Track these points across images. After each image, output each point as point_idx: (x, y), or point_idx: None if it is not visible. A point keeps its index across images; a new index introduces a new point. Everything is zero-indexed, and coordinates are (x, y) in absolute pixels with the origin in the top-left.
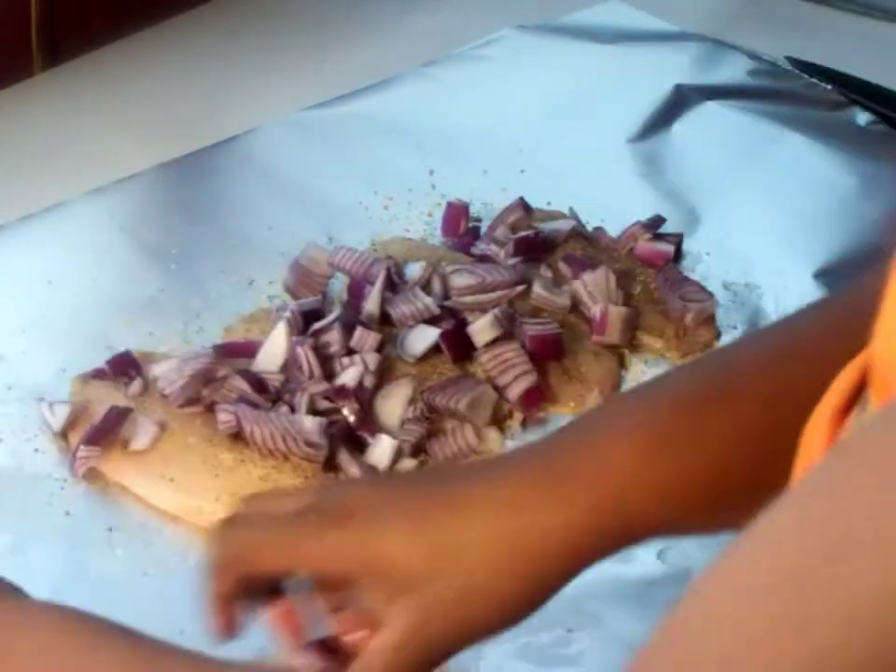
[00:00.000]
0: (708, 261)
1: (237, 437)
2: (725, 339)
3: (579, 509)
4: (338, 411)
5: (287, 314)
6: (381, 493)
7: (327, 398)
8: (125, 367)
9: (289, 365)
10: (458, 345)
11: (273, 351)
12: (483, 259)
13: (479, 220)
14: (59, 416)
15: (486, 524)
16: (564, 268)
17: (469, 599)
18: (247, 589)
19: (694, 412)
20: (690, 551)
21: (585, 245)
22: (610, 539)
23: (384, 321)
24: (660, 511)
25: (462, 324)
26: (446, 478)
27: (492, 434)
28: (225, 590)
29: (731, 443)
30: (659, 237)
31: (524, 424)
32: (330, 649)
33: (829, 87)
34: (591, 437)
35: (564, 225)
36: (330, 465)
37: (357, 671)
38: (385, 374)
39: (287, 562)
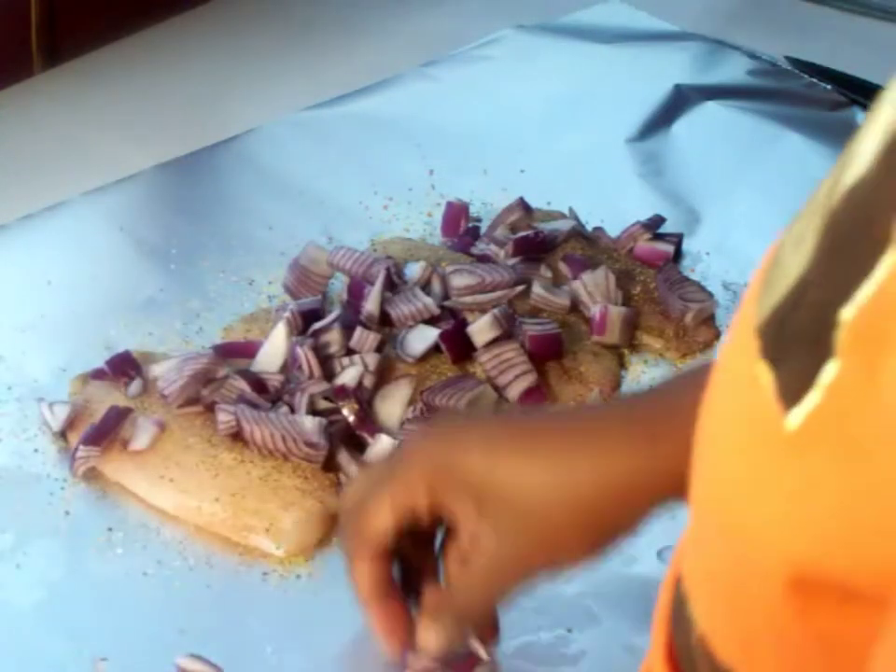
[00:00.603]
0: (708, 261)
1: (237, 437)
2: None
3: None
4: (338, 411)
5: (287, 314)
6: (492, 423)
7: (326, 398)
8: (125, 367)
9: (289, 365)
10: (458, 345)
11: (273, 351)
12: (483, 259)
13: (479, 220)
14: (59, 416)
15: (603, 460)
16: (563, 268)
17: (562, 532)
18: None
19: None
20: None
21: (585, 245)
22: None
23: (383, 321)
24: None
25: (462, 324)
26: (553, 414)
27: None
28: (372, 574)
29: None
30: (659, 237)
31: None
32: None
33: (829, 87)
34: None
35: (564, 225)
36: (330, 465)
37: (449, 587)
38: (384, 374)
39: (407, 500)
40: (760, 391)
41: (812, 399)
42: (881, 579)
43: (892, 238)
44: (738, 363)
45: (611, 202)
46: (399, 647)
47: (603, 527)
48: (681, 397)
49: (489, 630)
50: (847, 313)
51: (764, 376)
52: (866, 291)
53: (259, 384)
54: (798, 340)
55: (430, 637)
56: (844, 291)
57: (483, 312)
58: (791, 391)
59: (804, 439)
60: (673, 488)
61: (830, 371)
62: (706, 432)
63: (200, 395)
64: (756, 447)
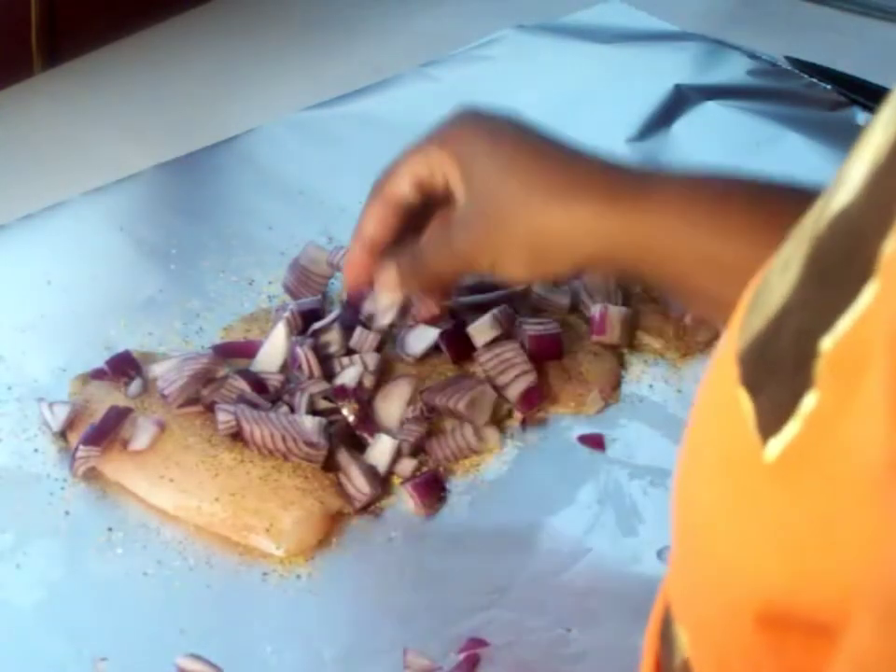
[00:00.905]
0: None
1: (237, 437)
2: None
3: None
4: (338, 411)
5: (287, 314)
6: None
7: (326, 398)
8: (125, 367)
9: (289, 365)
10: (458, 345)
11: (273, 351)
12: None
13: None
14: (59, 416)
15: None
16: None
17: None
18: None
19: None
20: None
21: None
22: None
23: None
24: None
25: (462, 324)
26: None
27: (492, 434)
28: (374, 217)
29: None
30: None
31: (523, 424)
32: None
33: (829, 87)
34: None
35: None
36: (330, 465)
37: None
38: (384, 374)
39: (424, 167)
40: (739, 419)
41: (791, 429)
42: (846, 613)
43: (876, 267)
44: (719, 389)
45: None
46: (356, 283)
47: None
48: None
49: (440, 293)
50: (828, 342)
51: (744, 404)
52: (847, 321)
53: (259, 384)
54: (778, 368)
55: (386, 275)
56: (825, 320)
57: (483, 312)
58: (771, 421)
59: (781, 470)
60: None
61: (809, 402)
62: (687, 455)
63: (200, 395)
64: (734, 475)
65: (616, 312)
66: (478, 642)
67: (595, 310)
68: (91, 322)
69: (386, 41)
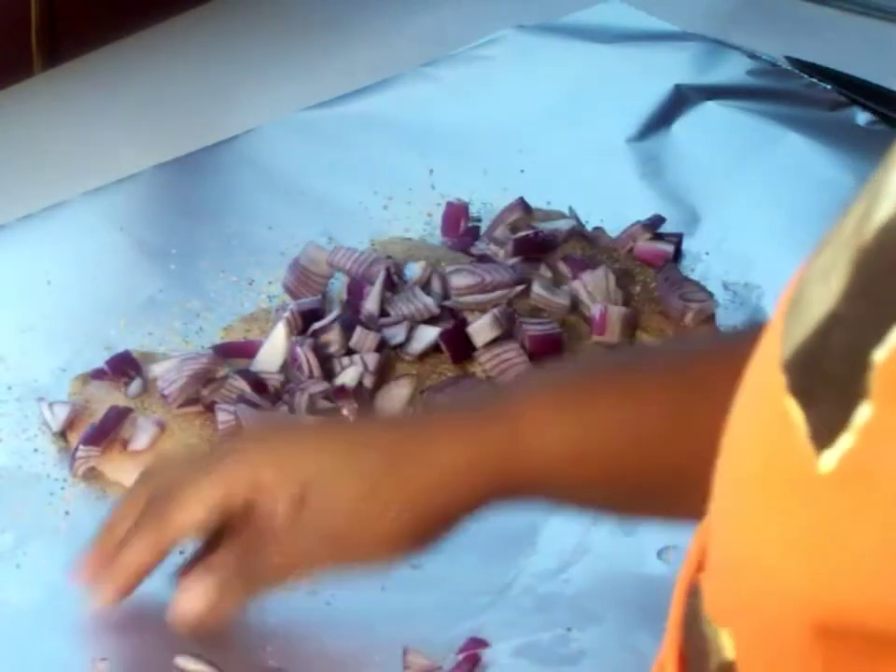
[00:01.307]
0: (708, 261)
1: None
2: None
3: (481, 446)
4: (338, 411)
5: (287, 314)
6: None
7: (326, 398)
8: (125, 367)
9: (289, 365)
10: (458, 345)
11: (273, 351)
12: (483, 258)
13: (479, 220)
14: (59, 416)
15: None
16: (563, 268)
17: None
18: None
19: (600, 390)
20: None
21: (585, 245)
22: (502, 486)
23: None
24: (555, 469)
25: (462, 324)
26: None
27: None
28: (152, 560)
29: (629, 427)
30: (659, 237)
31: None
32: None
33: (829, 87)
34: (506, 392)
35: (564, 225)
36: None
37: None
38: (384, 374)
39: (225, 495)
40: (790, 428)
41: (846, 441)
42: None
43: None
44: (763, 398)
45: (611, 202)
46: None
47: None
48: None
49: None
50: (880, 354)
51: (795, 413)
52: None
53: (258, 383)
54: (829, 379)
55: (195, 592)
56: (877, 332)
57: (483, 312)
58: (824, 432)
59: (837, 481)
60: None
61: (863, 414)
62: (726, 462)
63: (200, 395)
64: (784, 485)
65: (616, 312)
66: (478, 642)
67: (595, 310)
68: (91, 322)
69: (386, 41)
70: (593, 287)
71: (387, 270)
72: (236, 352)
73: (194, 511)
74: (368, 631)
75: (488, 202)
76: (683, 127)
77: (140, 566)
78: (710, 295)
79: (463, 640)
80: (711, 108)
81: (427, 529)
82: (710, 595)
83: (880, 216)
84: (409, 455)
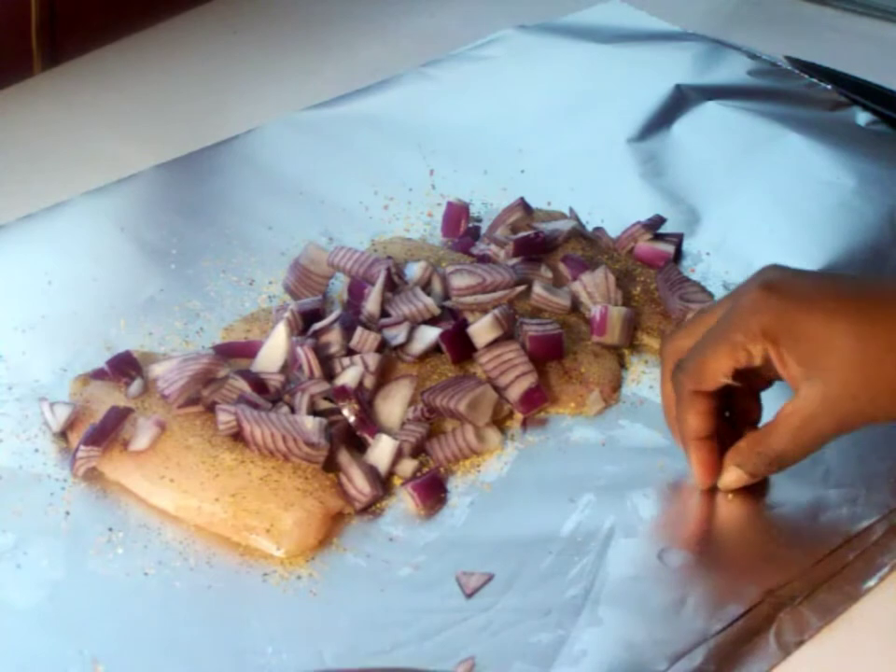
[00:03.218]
0: (708, 261)
1: (237, 437)
2: None
3: None
4: (338, 411)
5: (287, 314)
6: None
7: (327, 398)
8: (125, 367)
9: (289, 365)
10: (458, 346)
11: (273, 351)
12: (483, 259)
13: (479, 220)
14: (59, 416)
15: None
16: (564, 268)
17: (876, 387)
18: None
19: None
20: (689, 553)
21: (585, 245)
22: None
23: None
24: None
25: (462, 324)
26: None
27: (492, 434)
28: (702, 413)
29: None
30: (659, 237)
31: (524, 424)
32: None
33: (829, 87)
34: None
35: (564, 225)
36: (330, 465)
37: (766, 433)
38: (385, 375)
39: (744, 345)
40: None
41: None
42: None
43: None
44: None
45: (611, 202)
46: (711, 482)
47: None
48: None
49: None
50: None
51: None
52: None
53: (259, 384)
54: None
55: (732, 476)
56: None
57: (484, 312)
58: None
59: None
60: None
61: None
62: None
63: (200, 395)
64: None
65: (616, 312)
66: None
67: (595, 310)
68: (91, 322)
69: (386, 41)
70: (592, 288)
71: (388, 270)
72: (237, 352)
73: (719, 378)
74: (368, 631)
75: (488, 202)
76: (683, 127)
77: (693, 427)
78: (711, 295)
79: (463, 640)
80: (711, 108)
81: None
82: None
83: None
84: None
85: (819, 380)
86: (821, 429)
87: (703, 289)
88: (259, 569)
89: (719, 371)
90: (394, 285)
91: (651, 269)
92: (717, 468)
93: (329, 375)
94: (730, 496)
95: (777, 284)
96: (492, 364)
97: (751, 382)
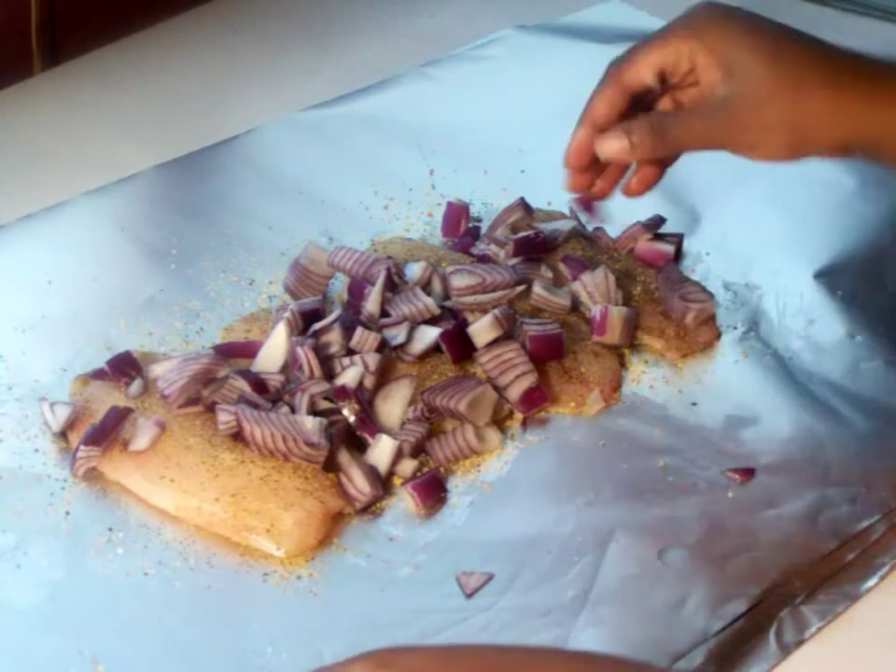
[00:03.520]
0: (708, 261)
1: (237, 437)
2: (725, 339)
3: None
4: (338, 411)
5: (287, 314)
6: None
7: (327, 398)
8: (125, 367)
9: (289, 365)
10: (459, 345)
11: (273, 351)
12: (483, 259)
13: (479, 220)
14: (59, 416)
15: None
16: (564, 268)
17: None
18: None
19: None
20: (689, 553)
21: (585, 245)
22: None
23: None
24: None
25: (462, 324)
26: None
27: (492, 434)
28: (609, 98)
29: None
30: (659, 237)
31: (524, 424)
32: None
33: None
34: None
35: (564, 225)
36: (330, 465)
37: (666, 114)
38: (385, 375)
39: (670, 45)
40: None
41: None
42: None
43: None
44: None
45: (611, 202)
46: (579, 162)
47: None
48: None
49: (661, 165)
50: None
51: None
52: None
53: (259, 384)
54: None
55: (617, 141)
56: None
57: (484, 312)
58: None
59: None
60: None
61: None
62: None
63: (200, 395)
64: None
65: (616, 312)
66: None
67: (595, 310)
68: (91, 322)
69: (386, 41)
70: (592, 288)
71: (388, 270)
72: (237, 352)
73: (641, 70)
74: (368, 631)
75: (488, 202)
76: None
77: (602, 117)
78: (711, 295)
79: (463, 640)
80: None
81: (809, 142)
82: None
83: None
84: (835, 83)
85: (735, 83)
86: (715, 127)
87: (703, 289)
88: (259, 569)
89: (645, 62)
90: (394, 285)
91: (650, 269)
92: (589, 153)
93: (329, 375)
94: (730, 494)
95: (719, 7)
96: (492, 364)
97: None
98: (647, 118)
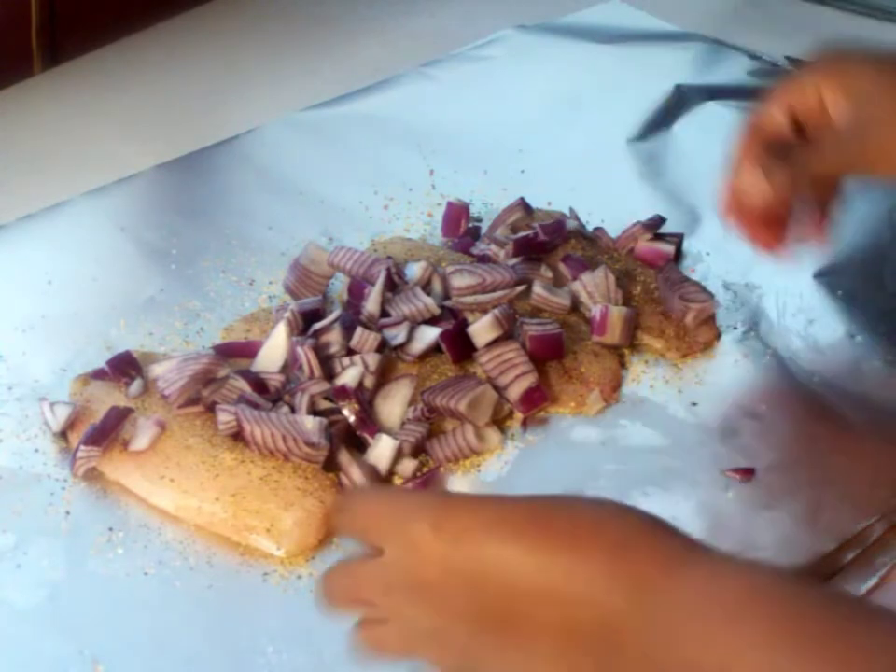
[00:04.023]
0: (708, 261)
1: (237, 437)
2: (725, 339)
3: None
4: (338, 411)
5: (287, 314)
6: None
7: (327, 398)
8: (125, 367)
9: (289, 365)
10: (458, 345)
11: (274, 351)
12: (483, 259)
13: (479, 220)
14: (59, 416)
15: None
16: (564, 268)
17: None
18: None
19: None
20: None
21: (585, 245)
22: None
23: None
24: None
25: (462, 324)
26: None
27: (493, 434)
28: (752, 140)
29: None
30: (659, 237)
31: (524, 424)
32: None
33: None
34: None
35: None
36: (331, 465)
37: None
38: (385, 374)
39: (798, 94)
40: None
41: None
42: None
43: None
44: None
45: (612, 202)
46: (730, 212)
47: None
48: None
49: (826, 200)
50: None
51: None
52: None
53: (259, 384)
54: None
55: (753, 183)
56: None
57: (484, 312)
58: None
59: None
60: None
61: None
62: None
63: (200, 395)
64: None
65: (616, 312)
66: None
67: (595, 310)
68: (91, 322)
69: (386, 41)
70: (592, 288)
71: (388, 270)
72: (237, 352)
73: (771, 110)
74: None
75: (488, 202)
76: (684, 127)
77: (742, 146)
78: (711, 295)
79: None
80: (712, 108)
81: None
82: None
83: None
84: None
85: (864, 111)
86: (852, 156)
87: (703, 289)
88: (259, 569)
89: (774, 103)
90: (394, 285)
91: (650, 269)
92: (739, 203)
93: (329, 375)
94: (730, 494)
95: (842, 48)
96: (492, 364)
97: (820, 194)
98: (786, 161)
